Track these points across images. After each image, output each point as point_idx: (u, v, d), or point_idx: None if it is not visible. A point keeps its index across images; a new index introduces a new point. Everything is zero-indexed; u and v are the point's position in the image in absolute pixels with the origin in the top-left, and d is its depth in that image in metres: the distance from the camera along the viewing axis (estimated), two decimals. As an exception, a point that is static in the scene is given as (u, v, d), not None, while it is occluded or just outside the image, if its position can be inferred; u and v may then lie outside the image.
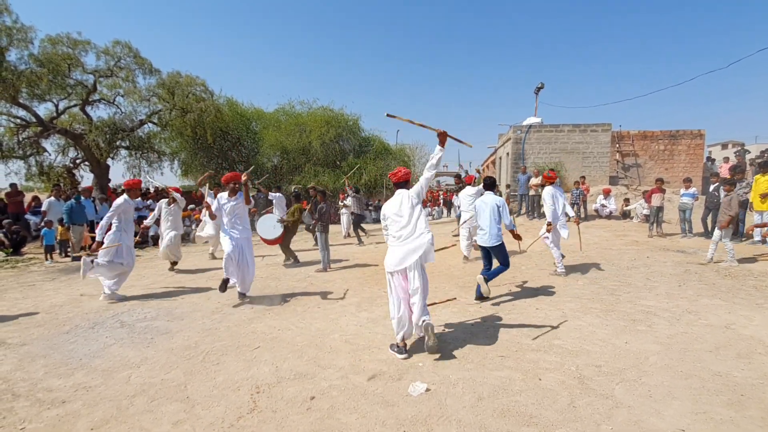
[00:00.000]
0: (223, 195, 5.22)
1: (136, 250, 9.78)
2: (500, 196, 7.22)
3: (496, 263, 5.11)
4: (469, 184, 8.09)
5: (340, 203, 11.76)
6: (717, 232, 6.67)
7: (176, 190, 7.52)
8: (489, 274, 5.01)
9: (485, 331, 3.99)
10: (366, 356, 3.46)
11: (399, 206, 3.58)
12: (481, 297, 4.99)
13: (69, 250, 8.74)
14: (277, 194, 9.57)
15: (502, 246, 4.97)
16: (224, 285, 5.18)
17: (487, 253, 5.13)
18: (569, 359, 3.31)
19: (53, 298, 5.55)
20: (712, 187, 9.08)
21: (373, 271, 7.01)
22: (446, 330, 4.04)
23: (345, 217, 11.58)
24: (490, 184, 5.34)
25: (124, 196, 5.60)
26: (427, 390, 2.84)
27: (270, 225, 7.07)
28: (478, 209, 5.13)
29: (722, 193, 8.98)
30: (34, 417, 2.63)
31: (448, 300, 5.01)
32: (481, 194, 5.39)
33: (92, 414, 2.65)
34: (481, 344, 3.67)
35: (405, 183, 3.72)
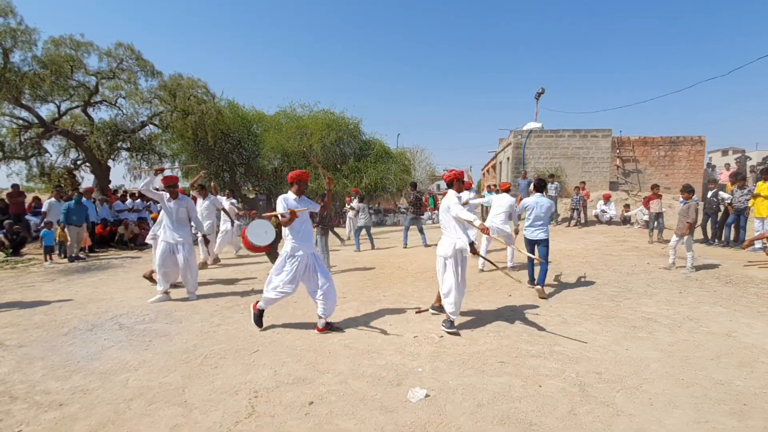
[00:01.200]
0: (289, 196, 4.20)
1: (136, 251, 9.93)
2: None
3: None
4: (467, 190, 8.22)
5: (347, 206, 11.82)
6: (674, 238, 6.78)
7: (170, 179, 5.67)
8: (540, 280, 5.49)
9: (485, 336, 3.98)
10: (365, 361, 3.44)
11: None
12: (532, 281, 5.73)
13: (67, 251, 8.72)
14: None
15: (548, 240, 5.68)
16: (260, 318, 4.31)
17: (533, 245, 5.69)
18: (569, 366, 3.30)
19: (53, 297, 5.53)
20: (710, 194, 9.14)
21: (372, 275, 7.00)
22: (444, 335, 4.02)
23: (349, 221, 11.66)
24: (543, 186, 5.90)
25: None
26: (427, 396, 2.83)
27: (262, 230, 6.73)
28: (530, 207, 5.68)
29: (724, 196, 9.02)
30: (31, 420, 2.61)
31: (425, 310, 4.84)
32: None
33: (89, 417, 2.63)
34: (481, 349, 3.65)
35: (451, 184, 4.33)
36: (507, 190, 7.36)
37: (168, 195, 5.46)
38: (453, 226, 4.14)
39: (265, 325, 4.41)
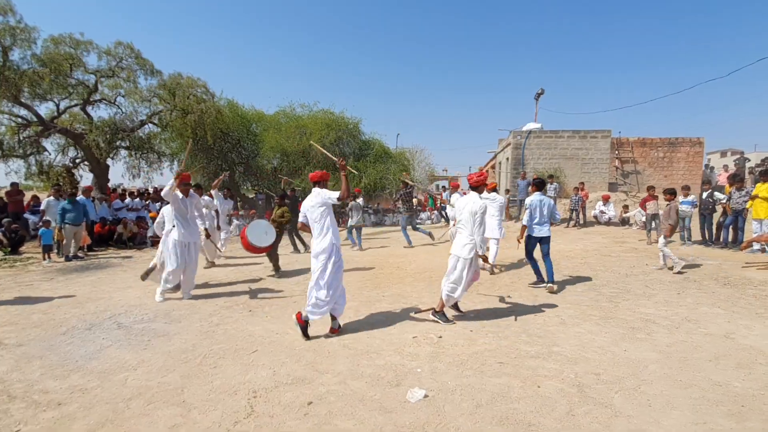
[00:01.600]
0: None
1: (135, 250, 9.91)
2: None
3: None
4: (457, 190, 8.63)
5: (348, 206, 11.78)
6: (661, 240, 6.80)
7: (186, 177, 5.69)
8: (550, 277, 5.72)
9: (484, 337, 3.98)
10: (364, 361, 3.45)
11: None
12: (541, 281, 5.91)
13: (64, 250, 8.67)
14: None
15: (550, 237, 5.95)
16: (306, 330, 4.02)
17: (535, 243, 5.90)
18: (568, 366, 3.30)
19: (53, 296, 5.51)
20: (705, 195, 9.15)
21: (372, 275, 6.99)
22: (443, 336, 4.02)
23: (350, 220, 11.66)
24: (543, 185, 6.09)
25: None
26: (426, 396, 2.83)
27: (262, 231, 6.46)
28: (534, 206, 5.84)
29: (719, 196, 9.03)
30: (29, 419, 2.61)
31: (426, 310, 4.78)
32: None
33: (88, 417, 2.63)
34: (480, 350, 3.66)
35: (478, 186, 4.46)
36: (494, 189, 7.41)
37: (181, 193, 5.43)
38: (472, 229, 4.27)
39: (263, 324, 4.42)
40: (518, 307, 4.98)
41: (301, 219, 4.22)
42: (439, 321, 4.37)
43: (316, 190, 4.12)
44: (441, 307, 4.42)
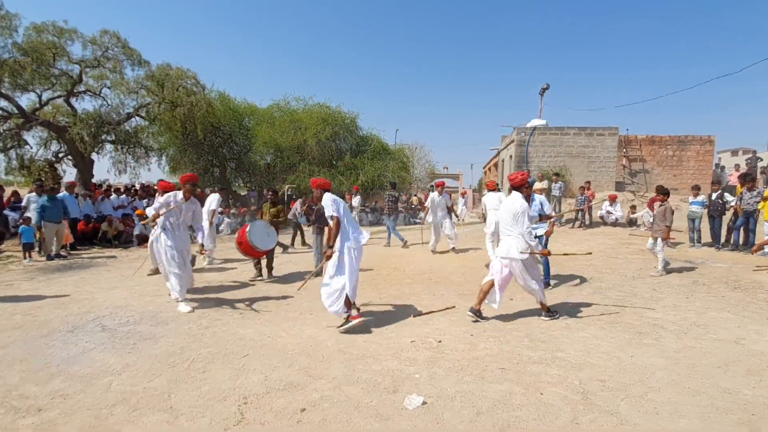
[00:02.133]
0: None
1: (121, 249, 9.65)
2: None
3: None
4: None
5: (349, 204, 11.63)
6: (656, 242, 6.59)
7: (194, 177, 5.46)
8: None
9: (485, 341, 3.89)
10: (360, 366, 3.34)
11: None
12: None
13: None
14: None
15: None
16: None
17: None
18: (572, 373, 3.21)
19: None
20: (714, 195, 8.93)
21: (369, 276, 6.85)
22: (443, 340, 3.91)
23: None
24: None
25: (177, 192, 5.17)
26: (424, 403, 2.74)
27: (263, 233, 6.16)
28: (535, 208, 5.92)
29: (729, 198, 8.89)
30: (8, 425, 2.49)
31: (447, 308, 4.94)
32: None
33: (69, 423, 2.52)
34: (481, 355, 3.56)
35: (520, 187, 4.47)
36: (494, 189, 7.28)
37: (180, 196, 5.08)
38: (519, 229, 4.30)
39: (254, 327, 4.30)
40: (521, 310, 4.87)
41: (334, 213, 4.26)
42: (470, 315, 4.48)
43: (329, 195, 4.42)
44: (482, 303, 4.54)
